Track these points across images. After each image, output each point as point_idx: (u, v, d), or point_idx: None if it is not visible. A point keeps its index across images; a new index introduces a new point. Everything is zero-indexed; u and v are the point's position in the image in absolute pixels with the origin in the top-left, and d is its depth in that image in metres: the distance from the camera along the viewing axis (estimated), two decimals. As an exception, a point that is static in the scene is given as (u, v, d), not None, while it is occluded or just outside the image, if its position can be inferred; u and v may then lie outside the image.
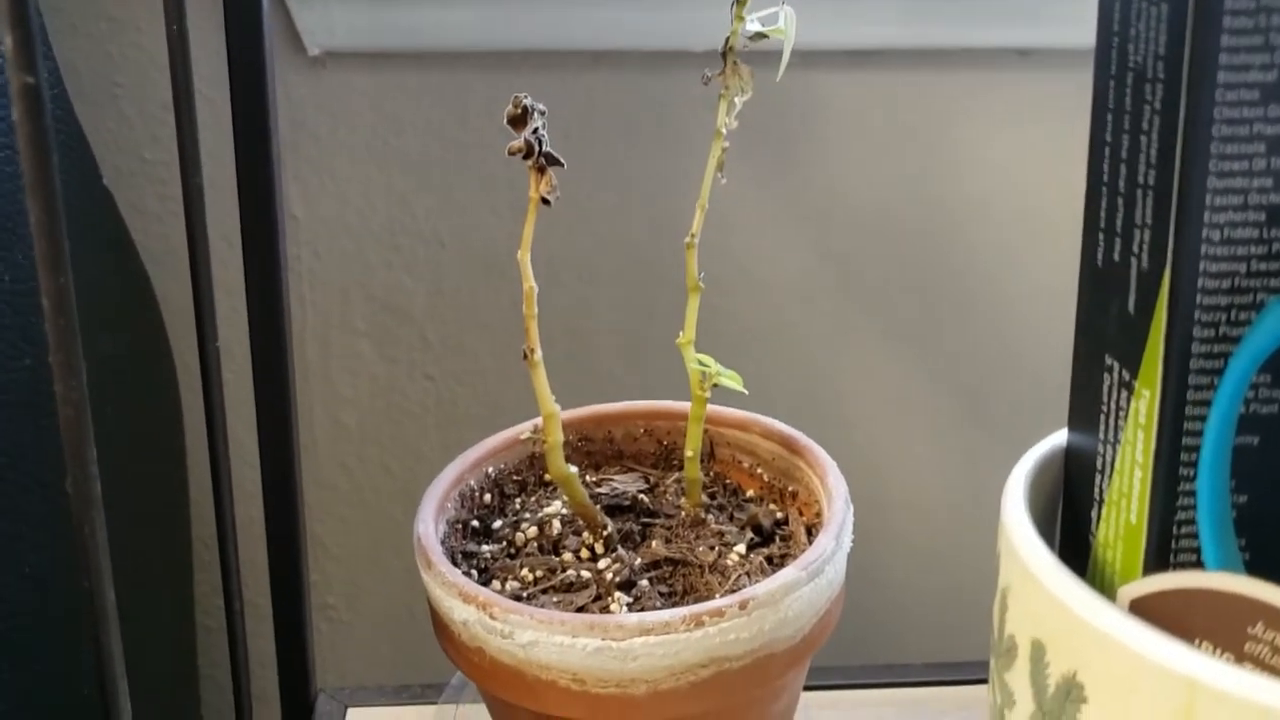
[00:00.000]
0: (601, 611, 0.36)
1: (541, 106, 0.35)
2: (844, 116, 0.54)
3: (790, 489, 0.42)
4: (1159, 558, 0.27)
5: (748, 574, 0.38)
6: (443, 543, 0.39)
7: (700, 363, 0.40)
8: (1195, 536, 0.27)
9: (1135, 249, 0.27)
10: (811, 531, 0.40)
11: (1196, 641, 0.25)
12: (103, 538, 0.27)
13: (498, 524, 0.42)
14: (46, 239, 0.25)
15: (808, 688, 0.40)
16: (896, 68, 0.54)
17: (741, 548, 0.39)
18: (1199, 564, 0.27)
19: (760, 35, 0.37)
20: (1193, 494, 0.27)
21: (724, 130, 0.38)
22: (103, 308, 0.49)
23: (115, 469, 0.38)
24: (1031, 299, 0.57)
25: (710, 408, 0.41)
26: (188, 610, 0.57)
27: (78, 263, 0.28)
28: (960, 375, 0.58)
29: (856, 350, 0.58)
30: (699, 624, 0.34)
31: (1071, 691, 0.25)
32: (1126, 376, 0.28)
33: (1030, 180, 0.55)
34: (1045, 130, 0.54)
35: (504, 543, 0.41)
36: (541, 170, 0.36)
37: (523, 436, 0.42)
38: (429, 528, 0.39)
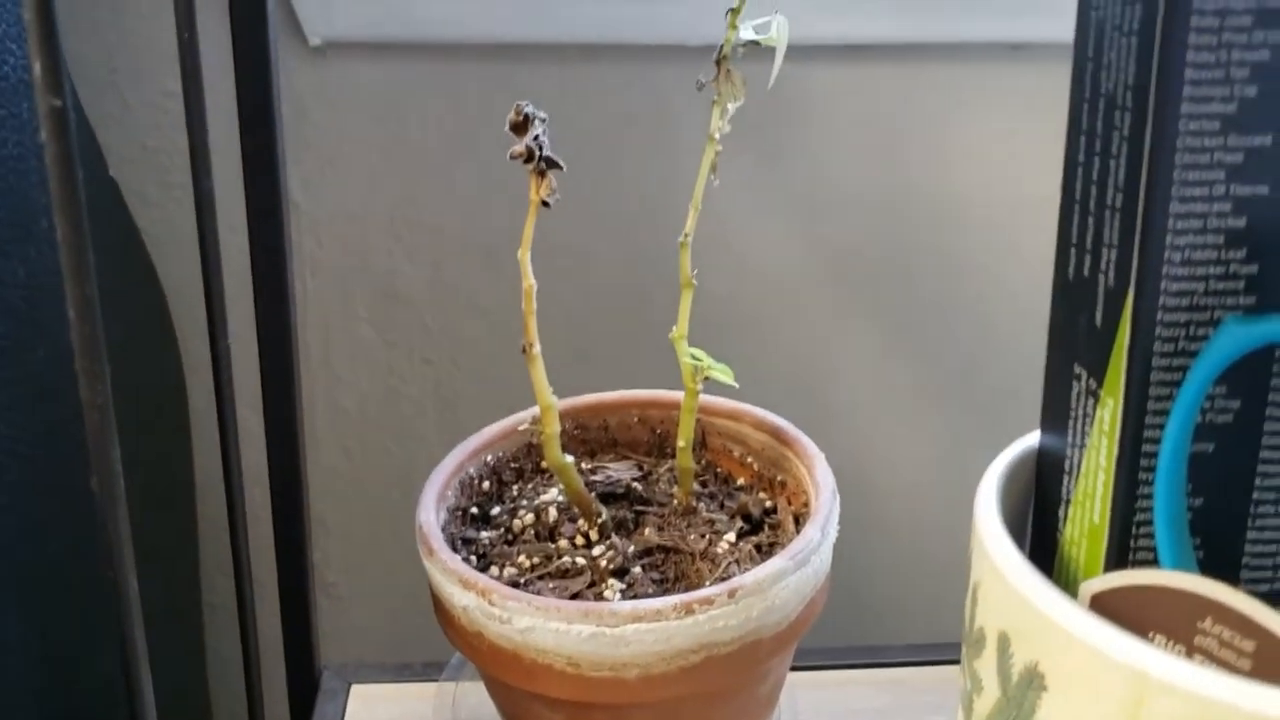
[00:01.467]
0: (596, 597, 0.38)
1: (542, 114, 0.37)
2: (836, 110, 0.55)
3: (779, 479, 0.44)
4: (1119, 555, 0.29)
5: (737, 562, 0.39)
6: (443, 529, 0.40)
7: (693, 357, 0.41)
8: (1153, 536, 0.29)
9: (1103, 266, 0.29)
10: (799, 520, 0.41)
11: (1151, 634, 0.27)
12: (126, 532, 0.28)
13: (496, 510, 0.43)
14: (73, 253, 0.26)
15: (793, 668, 0.42)
16: (889, 62, 0.54)
17: (731, 536, 0.41)
18: (1156, 562, 0.29)
19: (753, 43, 0.39)
20: (1151, 496, 0.28)
21: (716, 135, 0.39)
22: (111, 296, 0.50)
23: (123, 454, 0.39)
24: (1018, 291, 0.58)
25: (702, 398, 0.42)
26: (194, 588, 0.58)
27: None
28: (947, 367, 0.59)
29: (846, 340, 0.59)
30: (689, 611, 0.35)
31: (1033, 680, 0.27)
32: (1093, 385, 0.29)
33: (1019, 174, 0.56)
34: (1034, 125, 0.55)
35: (502, 529, 0.42)
36: (542, 174, 0.37)
37: (521, 428, 0.43)
38: (431, 516, 0.40)
